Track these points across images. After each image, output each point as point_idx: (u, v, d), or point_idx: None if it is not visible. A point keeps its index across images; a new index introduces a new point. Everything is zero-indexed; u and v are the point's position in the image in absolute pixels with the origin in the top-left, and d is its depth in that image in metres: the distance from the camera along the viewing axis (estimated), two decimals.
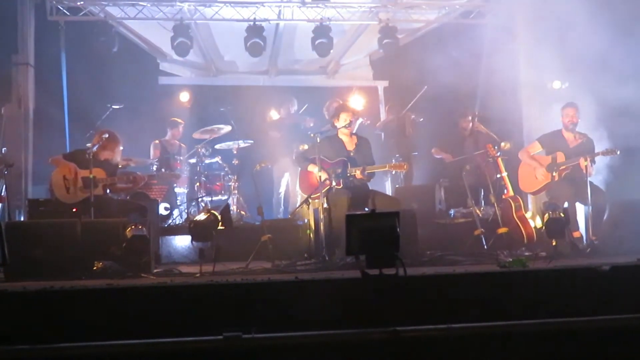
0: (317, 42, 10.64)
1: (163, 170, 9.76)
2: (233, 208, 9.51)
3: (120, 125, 9.12)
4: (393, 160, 9.60)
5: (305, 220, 7.81)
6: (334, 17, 10.78)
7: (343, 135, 7.82)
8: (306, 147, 8.65)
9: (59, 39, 10.33)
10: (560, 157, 7.95)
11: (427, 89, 10.53)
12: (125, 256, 6.41)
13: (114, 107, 9.98)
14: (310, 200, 7.45)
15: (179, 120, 10.61)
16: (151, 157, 10.22)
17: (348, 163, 7.58)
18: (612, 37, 8.42)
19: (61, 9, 10.29)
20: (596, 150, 7.85)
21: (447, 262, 6.93)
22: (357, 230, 4.83)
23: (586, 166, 7.58)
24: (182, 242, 8.22)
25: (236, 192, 9.83)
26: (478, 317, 4.62)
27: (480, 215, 8.42)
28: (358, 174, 7.47)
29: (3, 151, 8.82)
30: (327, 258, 7.03)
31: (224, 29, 11.21)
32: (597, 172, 8.03)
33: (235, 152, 10.14)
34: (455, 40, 10.35)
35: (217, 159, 10.22)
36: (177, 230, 8.50)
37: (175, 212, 9.82)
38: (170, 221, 9.51)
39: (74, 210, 7.56)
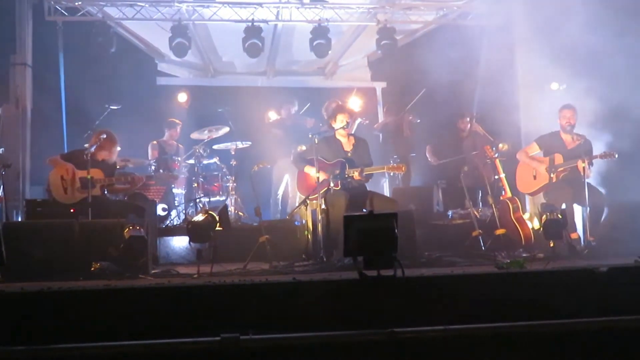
0: (315, 43, 10.63)
1: (161, 170, 9.75)
2: (231, 209, 9.50)
3: (118, 125, 9.10)
4: (391, 161, 9.61)
5: (303, 221, 7.81)
6: (332, 18, 10.78)
7: (341, 136, 7.83)
8: (304, 148, 8.65)
9: (57, 39, 10.31)
10: (558, 158, 7.95)
11: (425, 90, 10.54)
12: (123, 257, 6.40)
13: (111, 107, 9.97)
14: (308, 201, 7.45)
15: (177, 121, 10.61)
16: (149, 158, 10.22)
17: (346, 164, 7.58)
18: (610, 39, 8.43)
19: (59, 9, 10.28)
20: (594, 152, 7.86)
21: (445, 263, 6.93)
22: (355, 231, 4.83)
23: (584, 168, 7.58)
24: (179, 243, 8.20)
25: (234, 192, 9.83)
26: (476, 319, 4.62)
27: (478, 216, 8.42)
28: (356, 175, 7.47)
29: (0, 151, 8.80)
30: (324, 259, 7.03)
31: (222, 30, 11.20)
32: (595, 174, 8.03)
33: (233, 152, 10.12)
34: (453, 41, 10.35)
35: (215, 159, 10.23)
36: (174, 231, 8.48)
37: (173, 213, 9.82)
38: (168, 222, 9.51)
39: (72, 210, 7.56)
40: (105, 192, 7.93)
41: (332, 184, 7.46)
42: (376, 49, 11.23)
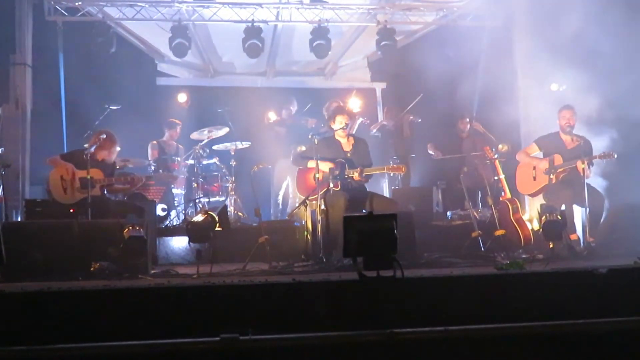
0: (315, 44, 10.64)
1: (161, 171, 9.76)
2: (230, 209, 9.50)
3: (117, 126, 9.10)
4: (390, 162, 9.62)
5: (303, 222, 7.80)
6: (332, 19, 10.79)
7: (340, 137, 7.83)
8: (304, 148, 8.65)
9: (57, 39, 10.32)
10: (558, 159, 7.95)
11: (425, 90, 10.54)
12: (123, 257, 6.40)
13: (111, 107, 9.97)
14: (307, 202, 7.45)
15: (177, 121, 10.62)
16: (149, 158, 10.22)
17: (346, 164, 7.58)
18: (610, 40, 8.43)
19: (59, 9, 10.28)
20: (594, 153, 7.86)
21: (445, 264, 6.93)
22: (354, 232, 4.83)
23: (583, 169, 7.58)
24: (179, 243, 8.20)
25: (234, 193, 9.83)
26: (475, 320, 4.62)
27: (477, 217, 8.42)
28: (356, 175, 7.47)
29: (0, 151, 8.80)
30: (324, 260, 7.03)
31: (222, 30, 11.21)
32: (595, 175, 8.03)
33: (232, 153, 10.12)
34: (453, 42, 10.36)
35: (215, 160, 10.23)
36: (174, 231, 8.48)
37: (173, 213, 9.82)
38: (167, 222, 9.51)
39: (71, 210, 7.57)
40: (105, 192, 7.94)
41: (331, 185, 7.46)
42: (376, 50, 11.23)
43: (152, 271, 6.71)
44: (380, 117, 12.30)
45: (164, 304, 4.67)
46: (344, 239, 4.87)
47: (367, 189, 7.75)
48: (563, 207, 7.59)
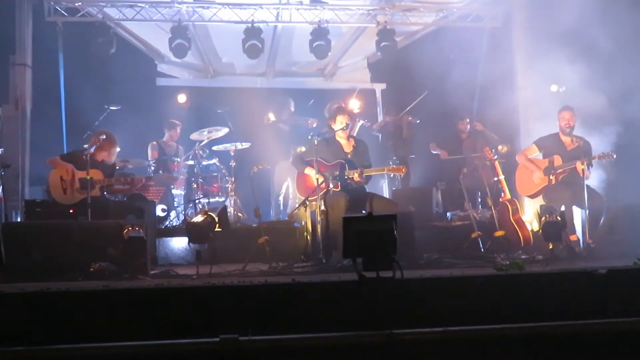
0: (314, 45, 10.64)
1: (160, 171, 9.77)
2: (230, 210, 9.50)
3: (117, 126, 9.12)
4: (390, 163, 9.63)
5: (303, 223, 7.80)
6: (332, 20, 10.79)
7: (340, 138, 7.83)
8: (304, 149, 8.66)
9: (57, 40, 10.32)
10: (558, 160, 7.95)
11: (425, 91, 10.55)
12: (122, 258, 6.41)
13: (111, 108, 9.97)
14: (307, 203, 7.45)
15: (177, 122, 10.63)
16: (149, 159, 10.23)
17: (346, 165, 7.58)
18: (610, 41, 8.44)
19: (59, 9, 10.29)
20: (593, 153, 7.86)
21: (444, 264, 6.92)
22: (354, 233, 4.83)
23: (583, 170, 7.58)
24: (179, 243, 8.20)
25: (233, 194, 9.83)
26: (475, 320, 4.62)
27: (477, 218, 8.42)
28: (356, 176, 7.47)
29: (0, 152, 8.81)
30: (324, 260, 7.03)
31: (222, 31, 11.21)
32: (594, 176, 8.03)
33: (232, 153, 10.13)
34: (453, 43, 10.36)
35: (215, 160, 10.23)
36: (174, 231, 8.48)
37: (173, 214, 9.83)
38: (167, 223, 9.51)
39: (71, 211, 7.58)
40: (105, 193, 7.94)
41: (331, 186, 7.46)
42: (376, 51, 11.23)
43: (152, 272, 6.70)
44: (380, 118, 12.31)
45: (163, 305, 4.67)
46: (344, 240, 4.87)
47: (367, 190, 7.75)
48: (562, 208, 7.60)
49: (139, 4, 10.34)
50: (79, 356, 4.27)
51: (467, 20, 11.11)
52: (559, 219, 7.11)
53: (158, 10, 10.45)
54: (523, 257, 7.36)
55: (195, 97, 11.76)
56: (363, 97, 11.29)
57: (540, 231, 7.25)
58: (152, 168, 9.99)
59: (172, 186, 10.05)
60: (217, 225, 6.70)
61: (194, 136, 10.27)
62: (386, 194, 10.15)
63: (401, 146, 10.80)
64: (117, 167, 8.45)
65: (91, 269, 6.45)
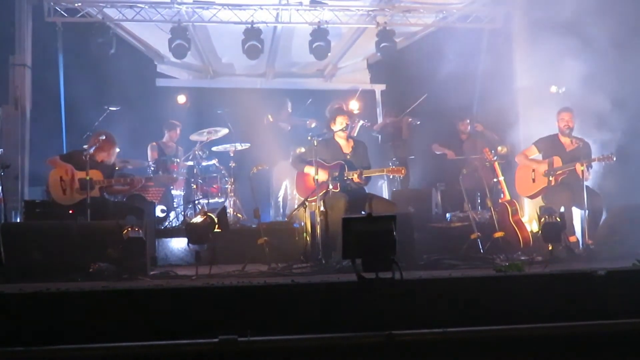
0: (314, 45, 10.64)
1: (160, 172, 9.76)
2: (230, 211, 9.50)
3: (117, 127, 9.13)
4: (390, 164, 9.62)
5: (302, 223, 7.80)
6: (332, 20, 10.80)
7: (340, 139, 7.84)
8: (303, 149, 8.66)
9: (57, 40, 10.33)
10: (557, 161, 7.95)
11: (425, 92, 10.55)
12: (122, 258, 6.40)
13: (111, 108, 9.97)
14: (307, 203, 7.45)
15: (177, 123, 10.62)
16: (148, 159, 10.23)
17: (345, 166, 7.58)
18: (610, 42, 8.44)
19: (59, 10, 10.29)
20: (593, 155, 7.86)
21: (444, 266, 6.92)
22: (353, 234, 4.82)
23: (582, 171, 7.58)
24: (178, 244, 8.20)
25: (233, 194, 9.83)
26: (474, 321, 4.62)
27: (476, 219, 8.41)
28: (355, 177, 7.47)
29: (0, 152, 8.81)
30: (323, 261, 7.03)
31: (222, 32, 11.22)
32: (594, 177, 8.04)
33: (232, 154, 10.13)
34: (453, 44, 10.37)
35: (214, 161, 10.23)
36: (173, 232, 8.48)
37: (172, 215, 9.83)
38: (166, 223, 9.51)
39: (71, 211, 7.57)
40: (104, 194, 7.94)
41: (330, 186, 7.46)
42: (375, 52, 11.24)
43: (151, 272, 6.70)
44: (380, 119, 12.32)
45: (162, 305, 4.67)
46: (343, 241, 4.87)
47: (367, 191, 7.75)
48: (562, 209, 7.59)
49: (138, 5, 10.35)
50: (78, 356, 4.27)
51: (466, 21, 11.12)
52: (559, 220, 7.11)
53: (158, 10, 10.46)
54: (522, 258, 7.36)
55: (194, 98, 11.77)
56: (363, 98, 11.30)
57: (540, 232, 7.25)
58: (152, 169, 9.99)
59: (172, 187, 10.05)
60: (217, 226, 6.70)
61: (194, 137, 10.27)
62: (386, 194, 10.15)
63: (401, 147, 10.80)
64: (117, 168, 8.44)
65: (90, 270, 6.46)
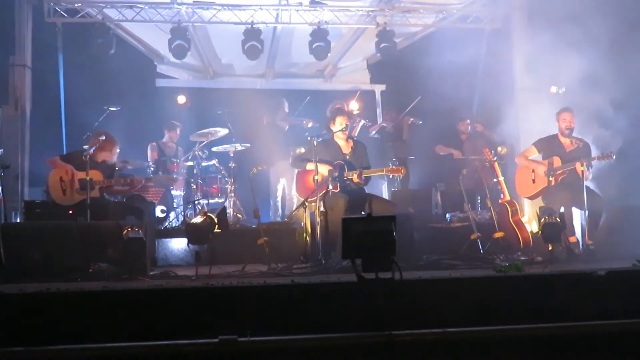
0: (314, 46, 10.65)
1: (160, 172, 9.77)
2: (230, 211, 9.50)
3: (117, 127, 9.12)
4: (390, 164, 9.62)
5: (302, 224, 7.80)
6: (332, 21, 10.80)
7: (339, 139, 7.83)
8: (303, 150, 8.66)
9: (57, 40, 10.33)
10: (557, 161, 7.95)
11: (424, 92, 10.55)
12: (122, 258, 6.40)
13: (111, 109, 9.97)
14: (306, 204, 7.44)
15: (177, 123, 10.62)
16: (148, 160, 10.23)
17: (345, 167, 7.58)
18: (610, 42, 8.44)
19: (59, 10, 10.29)
20: (592, 154, 7.86)
21: (443, 266, 6.91)
22: (353, 234, 4.82)
23: (582, 171, 7.58)
24: (178, 244, 8.20)
25: (233, 195, 9.83)
26: (474, 322, 4.62)
27: (476, 219, 8.41)
28: (355, 177, 7.47)
29: (0, 152, 8.81)
30: (323, 261, 7.02)
31: (222, 32, 11.22)
32: (593, 177, 8.03)
33: (232, 155, 10.13)
34: (452, 44, 10.37)
35: (214, 161, 10.23)
36: (173, 232, 8.48)
37: (172, 215, 9.82)
38: (166, 224, 9.51)
39: (71, 212, 7.56)
40: (104, 194, 7.94)
41: (330, 187, 7.46)
42: (375, 52, 11.25)
43: (151, 273, 6.69)
44: (380, 119, 12.32)
45: (162, 306, 4.67)
46: (343, 241, 4.86)
47: (366, 191, 7.75)
48: (562, 210, 7.59)
49: (138, 5, 10.36)
50: (78, 356, 4.28)
51: (466, 22, 11.12)
52: (559, 220, 7.11)
53: (158, 11, 10.46)
54: (522, 258, 7.35)
55: (194, 98, 11.76)
56: (362, 99, 11.30)
57: (540, 232, 7.25)
58: (152, 169, 9.99)
59: (172, 187, 10.05)
60: (217, 226, 6.69)
61: (194, 137, 10.27)
62: (386, 195, 10.15)
63: (400, 147, 10.80)
64: (117, 168, 8.44)
65: (90, 270, 6.46)
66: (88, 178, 7.40)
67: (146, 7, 10.39)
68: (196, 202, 9.54)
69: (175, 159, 10.20)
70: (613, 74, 8.41)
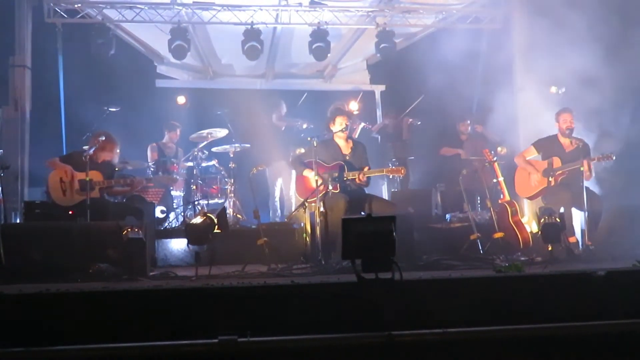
0: (314, 46, 10.65)
1: (160, 173, 9.77)
2: (229, 211, 9.50)
3: (117, 127, 9.12)
4: (390, 165, 9.62)
5: (302, 224, 7.80)
6: (331, 21, 10.80)
7: (339, 140, 7.83)
8: (302, 150, 8.65)
9: (56, 41, 10.33)
10: (557, 162, 7.95)
11: (424, 93, 10.56)
12: (121, 259, 6.41)
13: (110, 109, 9.99)
14: (306, 204, 7.44)
15: (177, 123, 10.62)
16: (148, 160, 10.23)
17: (345, 167, 7.58)
18: (610, 42, 8.44)
19: (58, 11, 10.30)
20: (592, 155, 7.87)
21: (443, 266, 6.91)
22: (353, 234, 4.82)
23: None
24: (178, 245, 8.20)
25: (233, 195, 9.83)
26: (474, 322, 4.62)
27: (476, 219, 8.41)
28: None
29: (0, 153, 8.82)
30: (323, 262, 7.02)
31: (222, 32, 11.22)
32: (593, 177, 8.04)
33: (231, 155, 10.13)
34: (452, 45, 10.37)
35: (214, 162, 10.23)
36: (173, 233, 8.48)
37: (172, 215, 9.82)
38: (166, 224, 9.51)
39: (70, 212, 7.57)
40: (104, 195, 7.94)
41: (330, 187, 7.45)
42: (375, 52, 11.25)
43: (151, 273, 6.70)
44: (379, 120, 12.32)
45: (162, 306, 4.67)
46: (343, 241, 4.87)
47: (366, 192, 7.75)
48: (562, 210, 7.59)
49: (138, 6, 10.36)
50: (78, 356, 4.27)
51: (466, 22, 11.13)
52: (558, 220, 7.11)
53: (157, 11, 10.46)
54: (522, 258, 7.35)
55: (194, 99, 11.77)
56: (362, 99, 11.31)
57: (540, 233, 7.25)
58: (152, 169, 9.99)
59: (172, 188, 10.05)
60: (216, 226, 6.69)
61: (194, 138, 10.27)
62: (385, 195, 10.15)
63: (400, 148, 10.80)
64: (117, 169, 8.44)
65: (90, 270, 6.45)
66: (88, 179, 7.40)
67: (146, 8, 10.40)
68: (196, 202, 9.55)
69: (175, 159, 10.21)
70: (614, 73, 8.42)
